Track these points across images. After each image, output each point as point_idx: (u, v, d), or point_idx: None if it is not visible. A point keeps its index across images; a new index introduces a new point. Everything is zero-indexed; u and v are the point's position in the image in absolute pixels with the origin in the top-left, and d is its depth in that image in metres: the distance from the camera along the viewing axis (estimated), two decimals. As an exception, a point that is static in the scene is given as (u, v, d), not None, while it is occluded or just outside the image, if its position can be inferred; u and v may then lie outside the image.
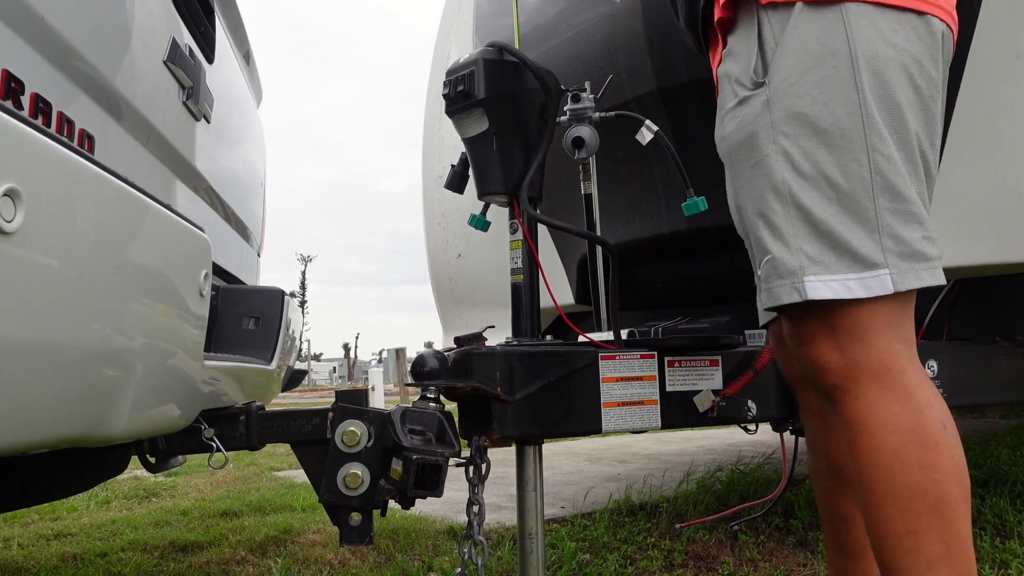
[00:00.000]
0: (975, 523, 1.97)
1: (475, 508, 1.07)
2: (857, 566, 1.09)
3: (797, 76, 0.88)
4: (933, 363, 1.58)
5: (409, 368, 1.12)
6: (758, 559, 1.81)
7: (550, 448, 4.10)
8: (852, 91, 0.86)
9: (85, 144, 0.88)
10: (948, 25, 0.92)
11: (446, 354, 1.08)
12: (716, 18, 1.00)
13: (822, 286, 0.85)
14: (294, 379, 1.78)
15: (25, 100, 0.75)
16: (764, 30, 0.91)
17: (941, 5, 0.90)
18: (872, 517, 0.86)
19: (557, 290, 1.97)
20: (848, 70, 0.86)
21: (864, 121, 0.86)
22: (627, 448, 4.14)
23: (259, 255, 2.09)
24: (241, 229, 1.78)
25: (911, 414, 0.84)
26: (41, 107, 0.78)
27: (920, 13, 0.88)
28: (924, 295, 1.79)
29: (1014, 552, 1.72)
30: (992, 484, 2.31)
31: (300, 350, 2.02)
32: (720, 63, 1.01)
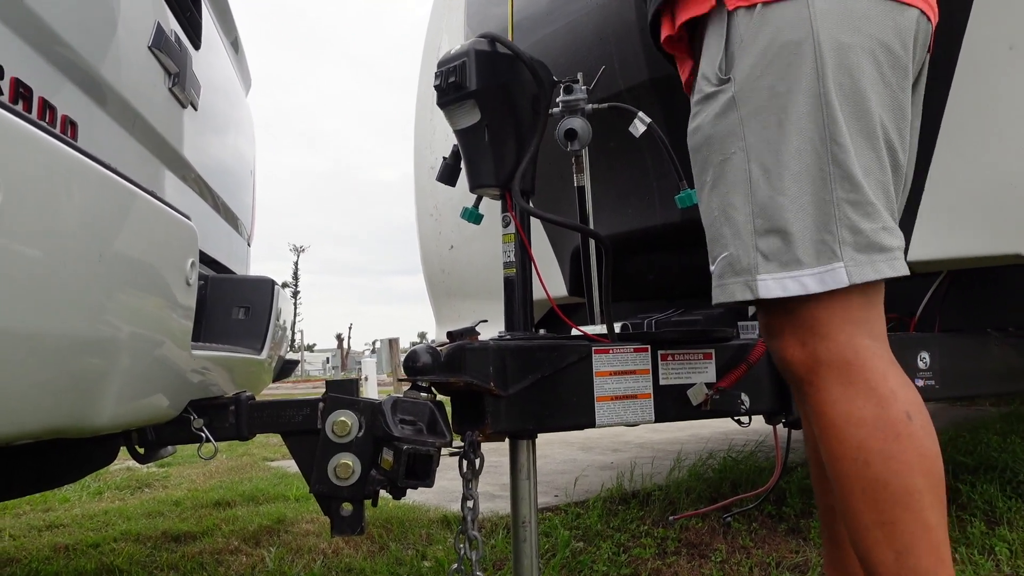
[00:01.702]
0: (965, 510, 1.98)
1: (469, 503, 1.07)
2: (846, 556, 1.09)
3: (761, 70, 0.87)
4: (925, 355, 1.58)
5: (402, 361, 1.12)
6: (750, 546, 1.82)
7: (543, 437, 4.12)
8: (814, 80, 0.85)
9: (68, 130, 0.87)
10: (923, 12, 0.90)
11: (439, 349, 1.07)
12: (671, 29, 0.99)
13: (774, 284, 0.86)
14: (285, 369, 1.78)
15: (5, 85, 0.73)
16: (732, 27, 0.91)
17: None
18: (843, 509, 0.87)
19: (550, 282, 1.96)
20: (811, 59, 0.85)
21: (824, 111, 0.85)
22: (620, 437, 4.15)
23: (249, 244, 2.08)
24: (230, 218, 1.76)
25: (873, 407, 0.84)
26: (22, 92, 0.76)
27: (891, 2, 0.87)
28: (916, 287, 1.80)
29: (1003, 538, 1.74)
30: (982, 471, 2.33)
31: (292, 340, 2.00)
32: (691, 68, 1.02)
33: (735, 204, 0.89)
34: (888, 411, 0.84)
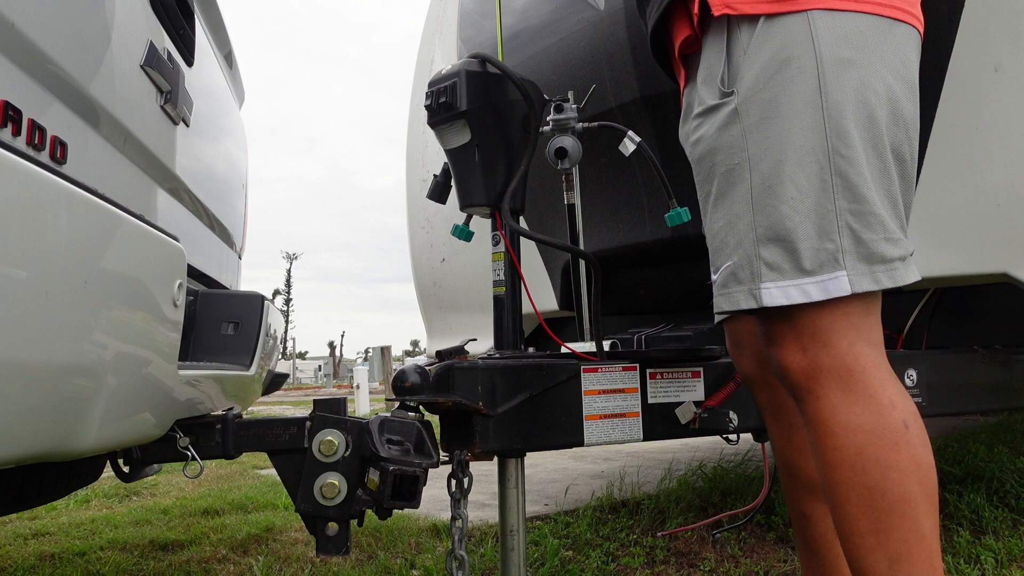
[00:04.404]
0: (952, 519, 2.00)
1: (458, 523, 1.07)
2: (820, 561, 1.10)
3: (763, 83, 0.88)
4: (912, 372, 1.59)
5: (391, 382, 1.12)
6: (739, 555, 1.82)
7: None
8: (815, 93, 0.86)
9: (58, 151, 0.86)
10: (913, 26, 0.92)
11: (427, 368, 1.08)
12: (679, 41, 1.00)
13: (778, 292, 0.87)
14: (275, 382, 1.77)
15: (-6, 109, 0.73)
16: (732, 40, 0.92)
17: (906, 8, 0.91)
18: (837, 516, 0.88)
19: (541, 296, 1.96)
20: (812, 72, 0.86)
21: (826, 123, 0.86)
22: (612, 445, 4.16)
23: (240, 257, 2.07)
24: (222, 232, 1.76)
25: (872, 415, 0.85)
26: (11, 115, 0.76)
27: (888, 18, 0.89)
28: (903, 304, 1.81)
29: (989, 547, 1.75)
30: (969, 481, 2.35)
31: (284, 351, 2.00)
32: (688, 77, 1.02)
33: (739, 214, 0.90)
34: (887, 419, 0.85)
